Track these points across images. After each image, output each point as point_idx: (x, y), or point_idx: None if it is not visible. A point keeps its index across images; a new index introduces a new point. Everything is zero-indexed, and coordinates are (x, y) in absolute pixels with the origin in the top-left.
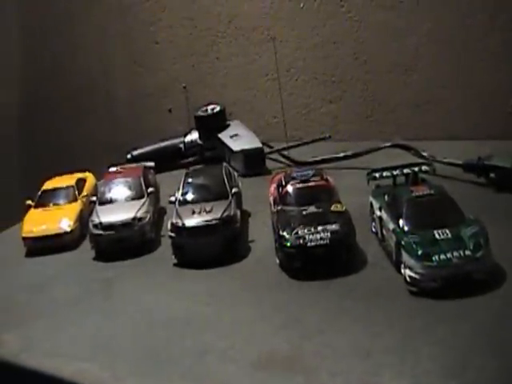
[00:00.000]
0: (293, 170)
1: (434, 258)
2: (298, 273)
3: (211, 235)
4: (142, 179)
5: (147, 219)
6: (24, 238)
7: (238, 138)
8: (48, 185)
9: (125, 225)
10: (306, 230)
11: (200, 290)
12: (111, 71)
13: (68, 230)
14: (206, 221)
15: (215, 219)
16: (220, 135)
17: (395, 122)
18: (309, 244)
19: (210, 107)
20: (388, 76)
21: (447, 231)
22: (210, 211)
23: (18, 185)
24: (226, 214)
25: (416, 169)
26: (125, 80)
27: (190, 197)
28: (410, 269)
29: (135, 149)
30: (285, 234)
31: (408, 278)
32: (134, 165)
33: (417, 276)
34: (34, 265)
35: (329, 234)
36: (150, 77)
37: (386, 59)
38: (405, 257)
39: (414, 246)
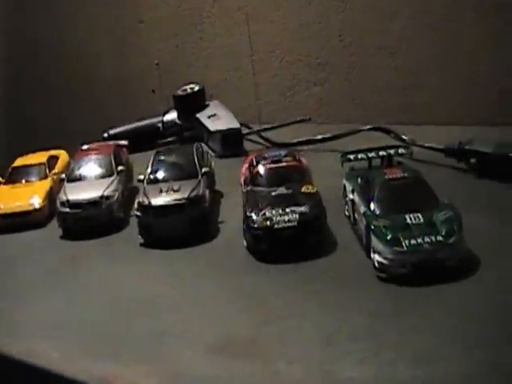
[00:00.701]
0: (266, 151)
1: (403, 243)
2: (265, 255)
3: (178, 214)
4: (112, 157)
5: (115, 198)
6: None
7: (216, 119)
8: (19, 162)
9: (92, 203)
10: (273, 212)
11: (165, 271)
12: (95, 50)
13: (37, 207)
14: (174, 199)
15: (183, 198)
16: (198, 115)
17: (379, 106)
18: (276, 226)
19: (189, 87)
20: (373, 59)
21: (419, 216)
22: (177, 190)
23: None
24: (193, 193)
25: (392, 151)
26: (109, 59)
27: (158, 175)
28: (379, 254)
29: (112, 128)
30: (252, 215)
31: (377, 264)
32: (106, 143)
33: (385, 261)
34: None
35: (297, 215)
36: (134, 56)
37: (371, 41)
38: (374, 241)
39: (384, 230)
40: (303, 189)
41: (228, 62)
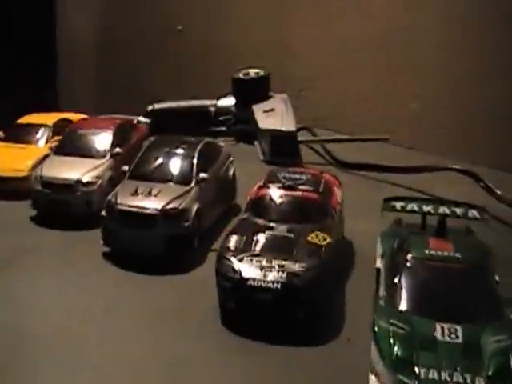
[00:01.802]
0: (284, 170)
1: (416, 375)
2: (233, 318)
3: (147, 228)
4: (112, 135)
5: (95, 186)
6: None
7: (272, 115)
8: (25, 119)
9: (64, 186)
10: (255, 261)
11: (97, 298)
12: (187, 22)
13: (22, 175)
14: (143, 207)
15: (154, 209)
16: (255, 106)
17: (481, 144)
18: (251, 283)
19: (253, 71)
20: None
21: (457, 331)
22: (155, 195)
23: None
24: (171, 204)
25: (459, 211)
26: (199, 33)
27: (143, 171)
28: (377, 377)
29: (160, 101)
30: (227, 256)
31: None
32: (114, 116)
33: None
34: None
35: (285, 275)
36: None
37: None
38: (373, 354)
39: (392, 340)
40: (311, 236)
41: (322, 55)
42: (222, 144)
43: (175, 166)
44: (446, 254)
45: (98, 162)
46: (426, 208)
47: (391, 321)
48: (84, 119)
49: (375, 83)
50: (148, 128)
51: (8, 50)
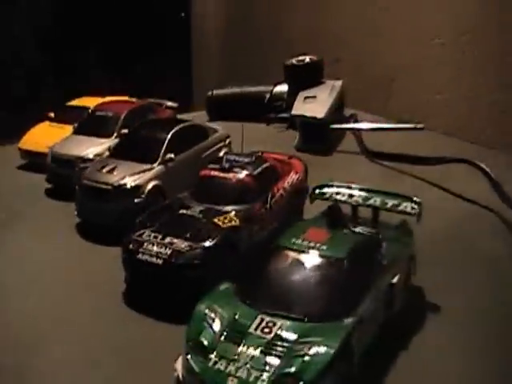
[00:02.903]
0: (238, 153)
1: (206, 359)
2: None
3: (101, 201)
4: (122, 117)
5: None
6: (19, 149)
7: (311, 102)
8: (75, 101)
9: (67, 162)
10: (152, 235)
11: (53, 262)
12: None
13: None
14: (99, 182)
15: (107, 184)
16: (301, 92)
17: None
18: (139, 256)
19: (308, 57)
20: None
21: (275, 326)
22: (113, 171)
23: None
24: (124, 181)
25: (390, 204)
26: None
27: (121, 149)
28: (182, 360)
29: (222, 87)
30: (136, 226)
31: (176, 374)
32: (132, 100)
33: (181, 378)
34: None
35: (169, 251)
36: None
37: None
38: (185, 335)
39: (203, 325)
40: (218, 218)
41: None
42: (216, 127)
43: (146, 146)
44: (310, 244)
45: (104, 140)
46: (356, 198)
47: (214, 305)
48: (106, 102)
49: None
50: (174, 113)
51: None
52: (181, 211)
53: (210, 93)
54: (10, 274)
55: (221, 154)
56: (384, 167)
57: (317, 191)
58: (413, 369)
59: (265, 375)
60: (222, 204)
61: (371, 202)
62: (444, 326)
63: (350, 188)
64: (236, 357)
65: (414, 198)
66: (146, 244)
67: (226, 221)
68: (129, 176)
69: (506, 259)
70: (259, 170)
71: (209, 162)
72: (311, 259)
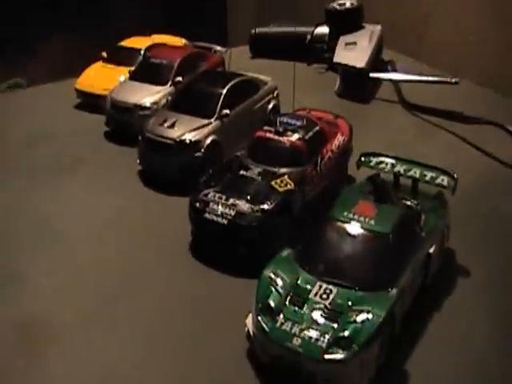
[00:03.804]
0: (288, 114)
1: (272, 323)
2: (195, 239)
3: (163, 155)
4: (176, 64)
5: (151, 110)
6: (75, 89)
7: (351, 49)
8: (125, 42)
9: (126, 109)
10: (216, 196)
11: (112, 208)
12: None
13: (106, 93)
14: (161, 136)
15: (169, 138)
16: (342, 38)
17: None
18: (206, 215)
19: (348, 2)
20: None
21: (332, 293)
22: (175, 127)
23: None
24: (185, 136)
25: (428, 176)
26: None
27: (178, 103)
28: (252, 317)
29: (267, 26)
30: (200, 188)
31: (246, 329)
32: (187, 46)
33: (252, 334)
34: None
35: (233, 212)
36: None
37: None
38: (254, 297)
39: (270, 289)
40: (275, 181)
41: None
42: (267, 78)
43: (204, 100)
44: (360, 219)
45: (159, 88)
46: (398, 168)
47: (279, 271)
48: (159, 48)
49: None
50: (222, 58)
51: None
52: (241, 172)
53: (253, 31)
54: (76, 224)
55: (270, 105)
56: (420, 119)
57: (363, 159)
58: (445, 330)
59: (324, 337)
60: (278, 166)
61: (411, 173)
62: (470, 289)
63: (393, 158)
64: (299, 319)
65: (451, 173)
66: (211, 204)
67: (282, 184)
68: (189, 131)
69: None
70: (310, 134)
71: (263, 121)
72: (361, 233)
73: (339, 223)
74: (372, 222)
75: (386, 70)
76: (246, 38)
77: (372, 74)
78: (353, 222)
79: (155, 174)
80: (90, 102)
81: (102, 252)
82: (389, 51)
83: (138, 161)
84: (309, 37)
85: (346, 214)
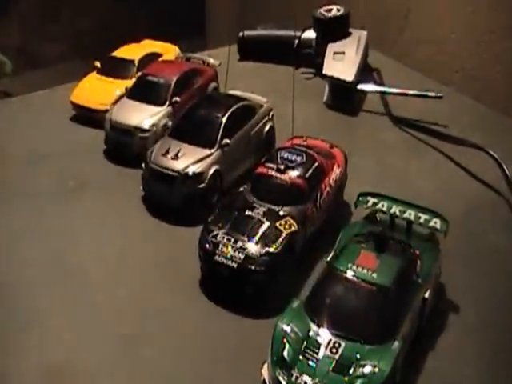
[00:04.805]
0: (291, 143)
1: (290, 375)
2: (204, 280)
3: (167, 185)
4: (173, 83)
5: (150, 133)
6: (71, 102)
7: (340, 59)
8: (118, 52)
9: (126, 131)
10: (225, 238)
11: (117, 238)
12: None
13: (105, 108)
14: (165, 167)
15: (173, 170)
16: (330, 45)
17: None
18: (216, 258)
19: (336, 7)
20: None
21: (340, 346)
22: (178, 158)
23: None
24: (190, 168)
25: (422, 219)
26: None
27: (179, 131)
28: (267, 370)
29: (255, 29)
30: (209, 226)
31: (263, 378)
32: (183, 62)
33: (267, 382)
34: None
35: (242, 256)
36: None
37: None
38: (269, 349)
39: (284, 342)
40: (279, 222)
41: None
42: (263, 100)
43: (204, 129)
44: (364, 271)
45: (158, 109)
46: (393, 210)
47: (291, 324)
48: (156, 64)
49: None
50: (216, 71)
51: None
52: (247, 212)
53: (241, 33)
54: (87, 257)
55: (266, 128)
56: (407, 134)
57: (360, 198)
58: (439, 373)
59: None
60: (280, 204)
61: (406, 215)
62: (457, 324)
63: (389, 199)
64: (313, 373)
65: (443, 216)
66: (221, 246)
67: (286, 226)
68: (192, 164)
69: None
70: (310, 171)
71: (264, 158)
72: (364, 286)
73: (343, 275)
74: (374, 275)
75: (372, 81)
76: (225, 39)
77: (360, 87)
78: (357, 275)
79: (159, 203)
80: (87, 116)
81: (116, 290)
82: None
83: (142, 188)
84: (296, 41)
85: (349, 265)
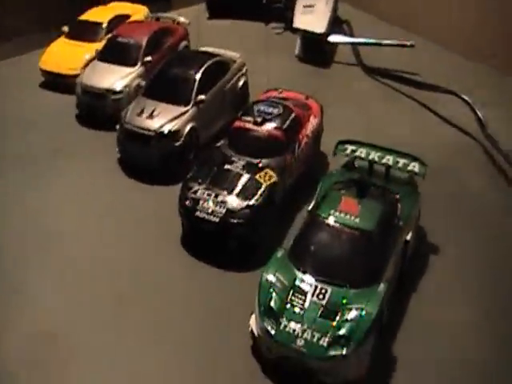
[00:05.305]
0: (266, 96)
1: (276, 326)
2: (187, 237)
3: (143, 145)
4: (144, 43)
5: (123, 94)
6: (40, 69)
7: (309, 12)
8: (86, 15)
9: (98, 94)
10: (206, 192)
11: (97, 200)
12: None
13: (75, 73)
14: (141, 127)
15: (149, 130)
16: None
17: None
18: (197, 213)
19: None
20: None
21: (327, 292)
22: (153, 117)
23: None
24: (165, 127)
25: (400, 163)
26: None
27: (154, 90)
28: (255, 320)
29: None
30: (188, 185)
31: (250, 330)
32: (152, 22)
33: (256, 335)
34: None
35: (223, 210)
36: None
37: None
38: (256, 299)
39: (270, 292)
40: (259, 175)
41: None
42: (236, 55)
43: (178, 87)
44: (346, 217)
45: (130, 70)
46: (372, 156)
47: (277, 273)
48: (126, 25)
49: None
50: (187, 30)
51: None
52: (226, 166)
53: None
54: (69, 223)
55: (240, 83)
56: (380, 83)
57: (339, 147)
58: (424, 313)
59: (324, 337)
60: (259, 156)
61: (385, 160)
62: (438, 265)
63: (367, 146)
64: (301, 320)
65: (421, 160)
66: (201, 202)
67: (266, 178)
68: (168, 122)
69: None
70: (288, 122)
71: (240, 112)
72: (348, 232)
73: (326, 222)
74: (357, 220)
75: (343, 33)
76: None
77: (331, 38)
78: (340, 221)
79: (135, 163)
80: (57, 81)
81: (100, 251)
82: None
83: (117, 150)
84: None
85: (331, 212)
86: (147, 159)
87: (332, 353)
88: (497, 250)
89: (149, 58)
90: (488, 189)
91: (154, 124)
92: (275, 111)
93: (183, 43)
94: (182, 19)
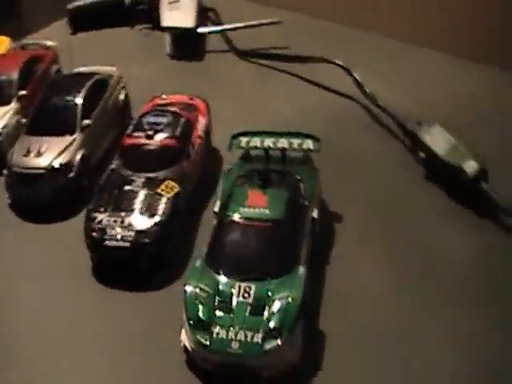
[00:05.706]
0: (152, 104)
1: (208, 336)
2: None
3: (35, 185)
4: (15, 78)
5: (2, 137)
6: None
7: (176, 8)
8: None
9: None
10: (111, 219)
11: None
12: None
13: None
14: (30, 168)
15: (39, 168)
16: None
17: None
18: (107, 243)
19: None
20: None
21: (251, 289)
22: (41, 154)
23: None
24: (54, 162)
25: (296, 144)
26: None
27: (36, 125)
28: (186, 333)
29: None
30: (92, 213)
31: (183, 344)
32: (23, 51)
33: (190, 348)
34: None
35: (133, 234)
36: None
37: None
38: (184, 314)
39: (196, 303)
40: (161, 188)
41: None
42: (112, 69)
43: (61, 117)
44: (256, 211)
45: (5, 108)
46: (267, 143)
47: (199, 284)
48: None
49: None
50: (56, 52)
51: None
52: (126, 187)
53: (68, 6)
54: None
55: (120, 97)
56: (257, 65)
57: (233, 141)
58: (340, 282)
59: (257, 333)
60: (157, 170)
61: (280, 144)
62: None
63: (260, 134)
64: (231, 323)
65: (314, 135)
66: (108, 230)
67: (168, 189)
68: (57, 156)
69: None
70: (179, 129)
71: (130, 128)
72: (260, 225)
73: (236, 220)
74: (267, 211)
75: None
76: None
77: (200, 30)
78: (250, 216)
79: (28, 204)
80: None
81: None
82: None
83: (8, 196)
84: (128, 0)
85: (240, 209)
86: (40, 197)
87: (267, 347)
88: (396, 207)
89: (23, 92)
90: (379, 148)
91: (45, 161)
92: (164, 120)
93: (55, 67)
94: (49, 43)
